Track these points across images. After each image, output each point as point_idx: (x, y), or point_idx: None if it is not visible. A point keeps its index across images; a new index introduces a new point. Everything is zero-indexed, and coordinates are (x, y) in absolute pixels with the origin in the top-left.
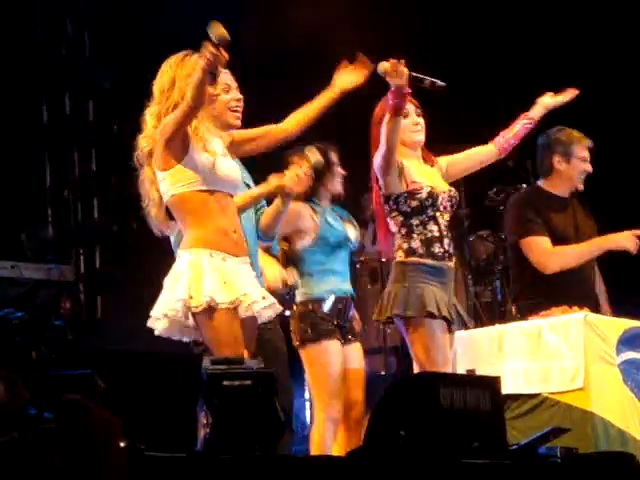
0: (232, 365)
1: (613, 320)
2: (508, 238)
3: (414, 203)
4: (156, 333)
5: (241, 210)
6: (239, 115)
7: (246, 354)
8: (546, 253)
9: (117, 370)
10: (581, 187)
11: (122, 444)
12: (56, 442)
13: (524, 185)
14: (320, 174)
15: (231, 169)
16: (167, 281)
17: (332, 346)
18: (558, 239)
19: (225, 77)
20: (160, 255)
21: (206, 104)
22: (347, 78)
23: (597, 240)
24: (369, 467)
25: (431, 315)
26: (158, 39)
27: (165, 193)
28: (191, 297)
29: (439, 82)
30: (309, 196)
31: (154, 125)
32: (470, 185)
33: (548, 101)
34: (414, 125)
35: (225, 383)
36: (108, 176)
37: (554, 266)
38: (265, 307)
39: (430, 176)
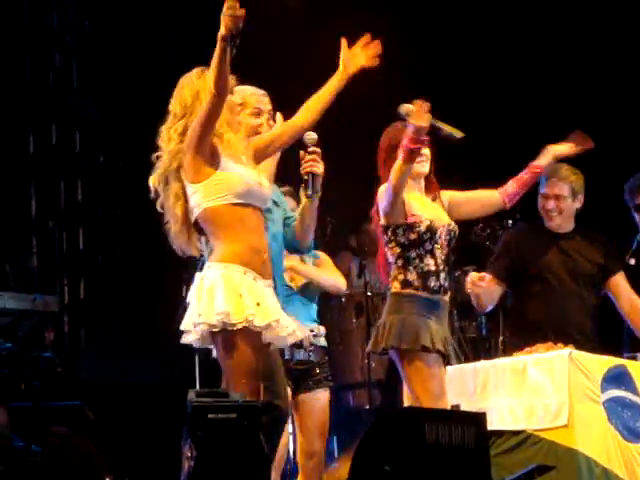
0: (217, 398)
1: (598, 357)
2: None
3: (412, 236)
4: (195, 345)
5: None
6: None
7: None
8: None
9: (102, 401)
10: (550, 224)
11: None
12: (42, 476)
13: (509, 221)
14: None
15: (264, 182)
16: (197, 292)
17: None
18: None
19: (257, 99)
20: (145, 286)
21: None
22: (355, 60)
23: None
24: None
25: (425, 349)
26: (145, 71)
27: (198, 206)
28: (229, 313)
29: (457, 134)
30: None
31: (178, 140)
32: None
33: (559, 150)
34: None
35: (210, 416)
36: (94, 207)
37: None
38: (289, 334)
39: (431, 209)
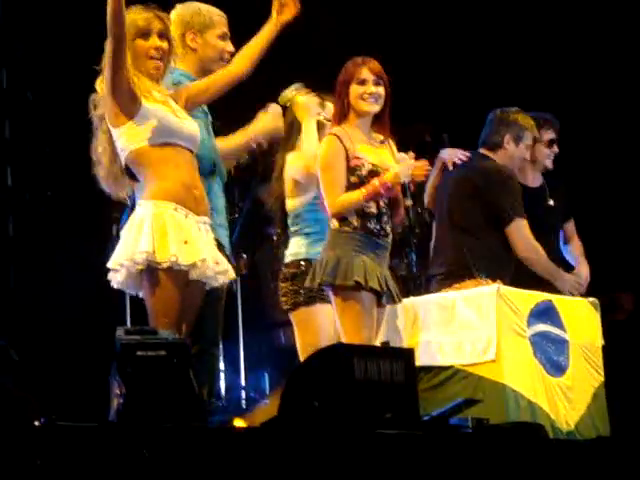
0: (146, 335)
1: (525, 293)
2: (493, 210)
3: (353, 179)
4: (114, 285)
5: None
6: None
7: (183, 328)
8: (532, 243)
9: (31, 340)
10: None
11: (37, 423)
12: None
13: None
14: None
15: (188, 123)
16: (127, 230)
17: (325, 309)
18: None
19: (224, 22)
20: (75, 224)
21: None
22: (286, 9)
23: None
24: (282, 438)
25: (359, 286)
26: (73, 9)
27: (123, 150)
28: (154, 252)
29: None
30: None
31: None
32: None
33: None
34: (368, 94)
35: (139, 353)
36: (22, 144)
37: (530, 261)
38: (219, 272)
39: (376, 152)
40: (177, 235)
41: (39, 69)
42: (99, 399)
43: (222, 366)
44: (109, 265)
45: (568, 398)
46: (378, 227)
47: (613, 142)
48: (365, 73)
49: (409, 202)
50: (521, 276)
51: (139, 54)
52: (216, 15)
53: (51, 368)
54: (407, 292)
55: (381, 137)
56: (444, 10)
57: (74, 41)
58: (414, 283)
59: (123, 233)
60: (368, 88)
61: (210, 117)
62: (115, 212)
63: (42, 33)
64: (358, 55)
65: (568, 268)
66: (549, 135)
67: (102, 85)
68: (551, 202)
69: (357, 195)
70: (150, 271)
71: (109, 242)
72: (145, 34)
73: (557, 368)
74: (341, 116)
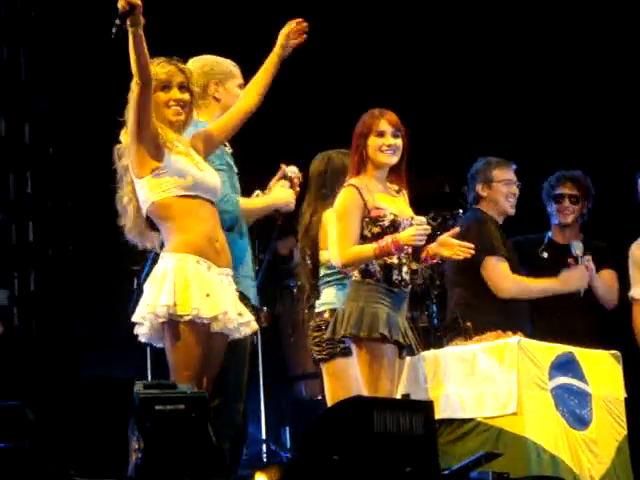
0: (165, 389)
1: (546, 345)
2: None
3: (376, 229)
4: (141, 339)
5: (249, 215)
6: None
7: (205, 381)
8: (508, 278)
9: (49, 395)
10: (511, 211)
11: None
12: None
13: (460, 210)
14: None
15: (210, 175)
16: (150, 283)
17: (349, 362)
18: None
19: (239, 72)
20: (96, 278)
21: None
22: (287, 37)
23: (563, 280)
24: None
25: (384, 338)
26: (95, 62)
27: (145, 201)
28: (176, 305)
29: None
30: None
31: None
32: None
33: None
34: (386, 146)
35: (157, 407)
36: (44, 199)
37: (512, 293)
38: (242, 324)
39: (394, 202)
40: (199, 288)
41: (61, 124)
42: (118, 454)
43: None
44: (133, 319)
45: (592, 452)
46: (399, 278)
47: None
48: (383, 125)
49: (415, 266)
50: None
51: (160, 105)
52: (232, 66)
53: (70, 423)
54: (428, 344)
55: (396, 187)
56: (463, 61)
57: (96, 96)
58: (434, 335)
59: (146, 286)
60: (387, 140)
61: (236, 170)
62: (135, 265)
63: (64, 88)
64: (373, 107)
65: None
66: (505, 175)
67: (126, 136)
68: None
69: (368, 250)
70: (172, 324)
71: (130, 295)
72: (166, 87)
73: (580, 421)
74: (359, 167)
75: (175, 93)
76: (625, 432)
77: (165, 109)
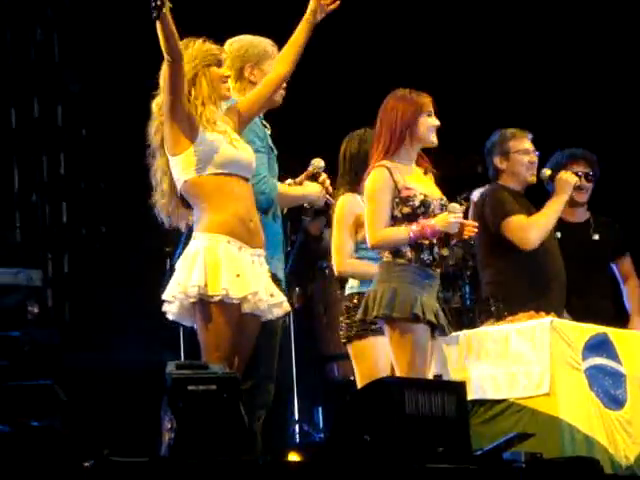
0: (197, 370)
1: (579, 326)
2: (489, 229)
3: (406, 209)
4: (169, 317)
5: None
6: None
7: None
8: (525, 227)
9: (83, 376)
10: (531, 179)
11: (86, 464)
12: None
13: None
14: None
15: (245, 152)
16: (181, 263)
17: (380, 341)
18: None
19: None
20: (129, 259)
21: (216, 84)
22: (318, 0)
23: (555, 195)
24: (333, 471)
25: (417, 318)
26: (128, 44)
27: (178, 179)
28: (206, 285)
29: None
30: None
31: (161, 114)
32: (440, 190)
33: None
34: (434, 127)
35: (190, 388)
36: (77, 180)
37: (535, 237)
38: (273, 305)
39: (423, 182)
40: (229, 269)
41: (94, 106)
42: (150, 434)
43: None
44: (163, 297)
45: (627, 432)
46: (431, 258)
47: None
48: (431, 105)
49: (445, 252)
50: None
51: (215, 80)
52: (269, 45)
53: (103, 404)
54: (460, 325)
55: (421, 170)
56: (494, 40)
57: (128, 78)
58: (467, 316)
59: (177, 265)
60: (435, 121)
61: (276, 152)
62: (168, 246)
63: (97, 70)
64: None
65: (622, 312)
66: (522, 145)
67: (157, 108)
68: (596, 237)
69: (403, 233)
70: (202, 304)
71: (163, 277)
72: (219, 63)
73: (615, 402)
74: (391, 147)
75: (225, 70)
76: None
77: (220, 84)
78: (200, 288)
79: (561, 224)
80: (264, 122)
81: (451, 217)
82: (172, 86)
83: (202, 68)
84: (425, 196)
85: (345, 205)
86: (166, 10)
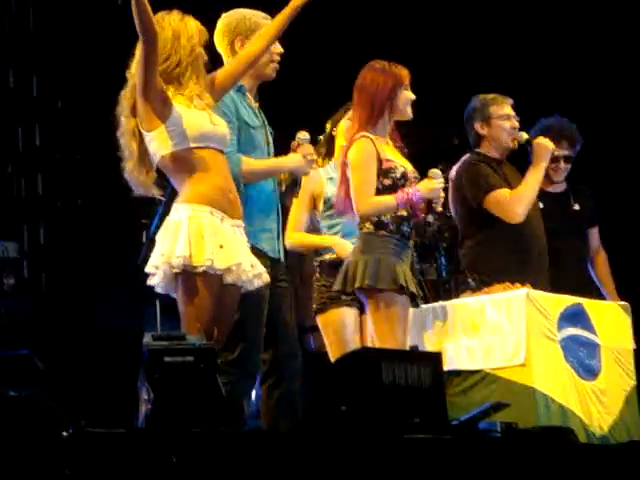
0: (174, 341)
1: (555, 297)
2: (468, 202)
3: (387, 182)
4: (157, 290)
5: (256, 176)
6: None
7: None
8: (509, 202)
9: (60, 346)
10: (514, 145)
11: (64, 433)
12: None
13: None
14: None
15: (220, 124)
16: (163, 234)
17: (344, 312)
18: None
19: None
20: (105, 232)
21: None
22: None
23: (534, 163)
24: (309, 442)
25: (402, 289)
26: (103, 15)
27: (155, 154)
28: (191, 256)
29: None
30: None
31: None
32: (416, 162)
33: None
34: (411, 100)
35: (166, 359)
36: (52, 152)
37: (521, 211)
38: (255, 276)
39: (397, 155)
40: (213, 239)
41: (70, 77)
42: (127, 405)
43: None
44: (147, 269)
45: (602, 402)
46: (409, 230)
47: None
48: (408, 78)
49: (431, 218)
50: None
51: (199, 58)
52: (261, 18)
53: (80, 374)
54: (436, 296)
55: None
56: (472, 13)
57: (104, 49)
58: (443, 287)
59: (159, 236)
60: (411, 94)
61: (258, 124)
62: (144, 218)
63: (72, 41)
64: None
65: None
66: (503, 110)
67: (131, 76)
68: (576, 206)
69: (391, 201)
70: (186, 275)
71: (139, 248)
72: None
73: (589, 372)
74: (370, 120)
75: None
76: (634, 382)
77: (201, 59)
78: (185, 259)
79: (542, 194)
80: (250, 96)
81: (434, 182)
82: (145, 65)
83: (194, 45)
84: (404, 168)
85: (363, 148)
86: None
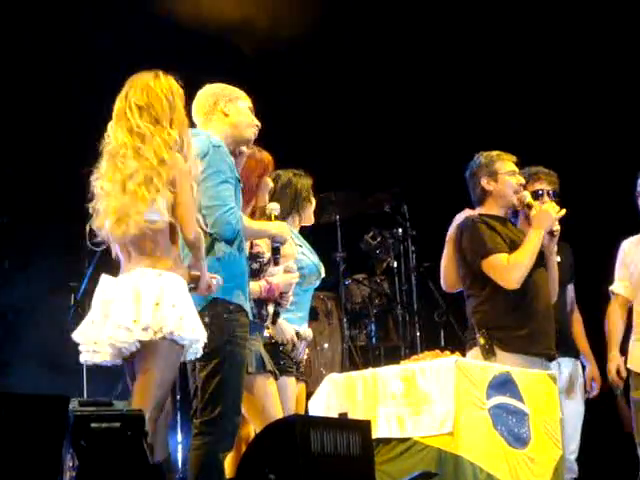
0: (100, 407)
1: (484, 365)
2: (469, 264)
3: (255, 265)
4: (118, 345)
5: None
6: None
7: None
8: (505, 268)
9: None
10: (517, 204)
11: None
12: None
13: (400, 230)
14: (297, 200)
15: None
16: (130, 297)
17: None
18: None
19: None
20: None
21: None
22: None
23: (531, 231)
24: None
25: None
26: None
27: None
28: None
29: None
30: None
31: (171, 152)
32: (346, 229)
33: None
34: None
35: (93, 425)
36: None
37: (516, 278)
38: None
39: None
40: (178, 307)
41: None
42: (52, 472)
43: (179, 437)
44: (118, 324)
45: (532, 470)
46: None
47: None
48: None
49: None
50: None
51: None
52: (242, 92)
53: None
54: (366, 363)
55: None
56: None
57: (37, 60)
58: (373, 354)
59: (124, 297)
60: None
61: (242, 185)
62: (72, 282)
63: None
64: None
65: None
66: (508, 166)
67: (163, 148)
68: (558, 258)
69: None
70: (164, 342)
71: (68, 311)
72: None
73: (519, 440)
74: None
75: None
76: (561, 452)
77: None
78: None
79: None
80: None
81: (291, 278)
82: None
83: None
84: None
85: None
86: None
